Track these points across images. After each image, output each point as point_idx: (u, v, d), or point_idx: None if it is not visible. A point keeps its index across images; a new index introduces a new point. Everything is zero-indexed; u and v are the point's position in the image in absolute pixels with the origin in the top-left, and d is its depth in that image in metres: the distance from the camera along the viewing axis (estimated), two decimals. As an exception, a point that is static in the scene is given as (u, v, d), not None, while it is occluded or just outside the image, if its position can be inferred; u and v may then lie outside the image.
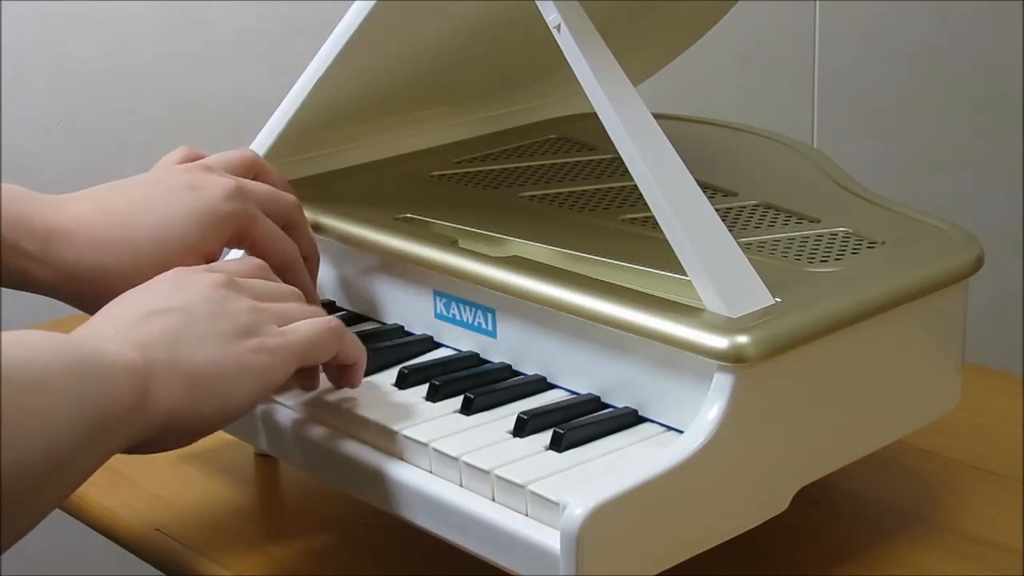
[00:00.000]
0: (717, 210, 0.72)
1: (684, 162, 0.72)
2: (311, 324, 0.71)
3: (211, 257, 0.78)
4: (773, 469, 0.70)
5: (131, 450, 0.65)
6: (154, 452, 0.67)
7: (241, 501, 0.85)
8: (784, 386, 0.69)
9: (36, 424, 0.58)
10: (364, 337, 0.76)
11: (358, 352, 0.74)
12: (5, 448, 0.56)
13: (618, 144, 0.71)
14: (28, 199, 0.76)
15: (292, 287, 0.76)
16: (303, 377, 0.75)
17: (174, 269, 0.72)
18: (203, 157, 0.83)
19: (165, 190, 0.78)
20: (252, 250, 0.79)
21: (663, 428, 0.71)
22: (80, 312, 0.77)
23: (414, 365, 0.78)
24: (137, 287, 0.71)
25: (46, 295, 0.76)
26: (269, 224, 0.79)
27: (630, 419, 0.71)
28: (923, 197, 1.82)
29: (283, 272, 0.79)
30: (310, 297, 0.81)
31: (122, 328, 0.66)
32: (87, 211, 0.76)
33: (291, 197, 0.82)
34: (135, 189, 0.79)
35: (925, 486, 0.85)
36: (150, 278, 0.72)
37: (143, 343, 0.65)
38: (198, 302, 0.69)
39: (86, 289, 0.75)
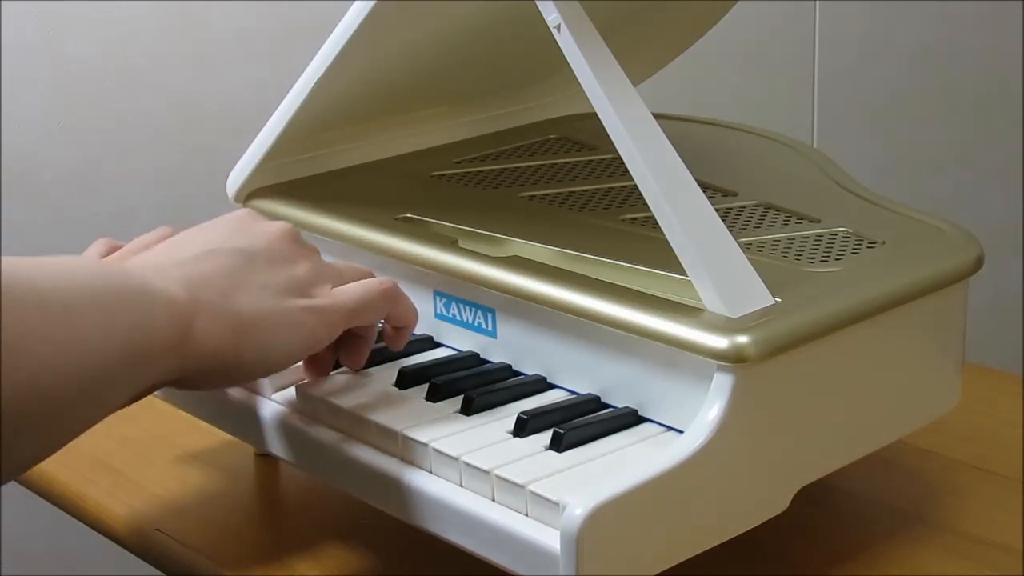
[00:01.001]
0: (717, 210, 0.72)
1: (684, 162, 0.72)
2: (363, 286, 0.72)
3: None
4: (773, 469, 0.70)
5: (172, 384, 0.66)
6: (193, 389, 0.68)
7: (241, 501, 0.85)
8: (784, 386, 0.69)
9: (59, 347, 0.58)
10: (364, 337, 0.76)
11: (408, 315, 0.75)
12: (24, 367, 0.56)
13: (618, 144, 0.71)
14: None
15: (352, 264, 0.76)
16: (349, 352, 0.75)
17: (241, 210, 0.74)
18: (121, 247, 0.79)
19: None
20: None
21: (663, 428, 0.71)
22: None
23: (414, 365, 0.78)
24: (202, 225, 0.72)
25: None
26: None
27: (630, 419, 0.71)
28: (923, 197, 1.82)
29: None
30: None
31: (175, 263, 0.67)
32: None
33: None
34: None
35: (925, 486, 0.85)
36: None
37: (194, 281, 0.66)
38: (261, 248, 0.70)
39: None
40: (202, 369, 0.66)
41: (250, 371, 0.68)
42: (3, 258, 0.58)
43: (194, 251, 0.69)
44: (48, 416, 0.58)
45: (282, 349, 0.68)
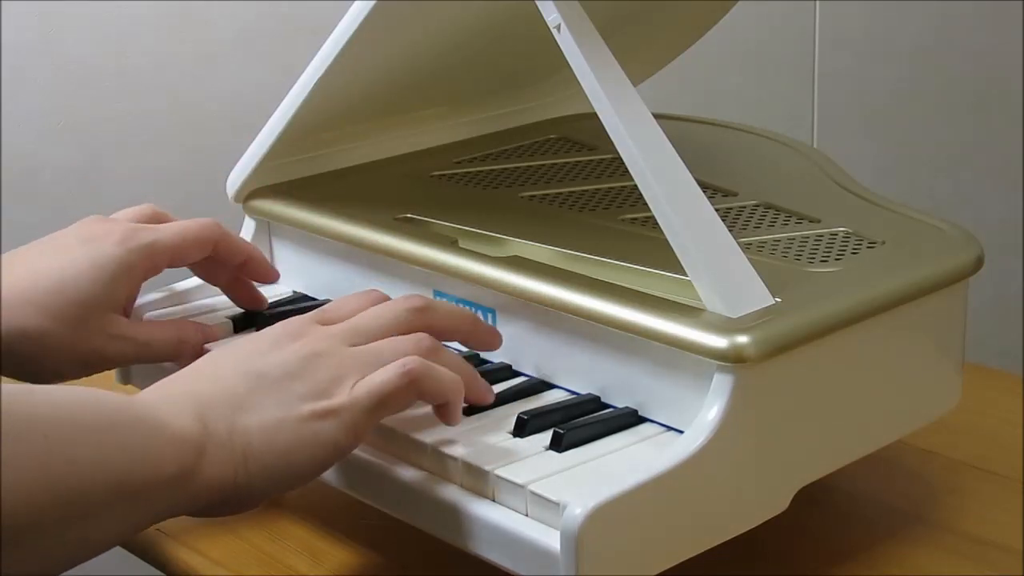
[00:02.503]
0: (717, 210, 0.72)
1: (684, 162, 0.72)
2: (381, 375, 0.67)
3: (116, 303, 0.78)
4: (773, 469, 0.70)
5: (192, 514, 0.64)
6: (205, 518, 0.66)
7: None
8: (784, 386, 0.69)
9: (43, 468, 0.57)
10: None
11: (446, 391, 0.69)
12: (13, 478, 0.56)
13: (618, 144, 0.71)
14: None
15: (422, 334, 0.71)
16: (439, 416, 0.70)
17: (287, 322, 0.70)
18: (166, 215, 0.85)
19: (59, 247, 0.79)
20: (191, 268, 0.83)
21: (663, 428, 0.71)
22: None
23: (414, 365, 0.78)
24: (238, 340, 0.72)
25: None
26: (168, 241, 0.80)
27: (630, 419, 0.71)
28: (923, 197, 1.82)
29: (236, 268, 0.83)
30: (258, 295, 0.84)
31: (190, 390, 0.65)
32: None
33: (202, 224, 0.82)
34: (33, 250, 0.80)
35: (925, 486, 0.85)
36: (50, 334, 0.74)
37: (206, 410, 0.64)
38: (279, 364, 0.67)
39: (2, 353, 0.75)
40: (211, 504, 0.64)
41: (265, 495, 0.65)
42: (6, 386, 0.58)
43: (215, 372, 0.67)
44: (20, 536, 0.57)
45: (298, 467, 0.65)
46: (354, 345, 0.69)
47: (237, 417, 0.64)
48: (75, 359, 0.77)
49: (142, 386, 0.86)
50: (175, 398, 0.65)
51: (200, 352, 0.78)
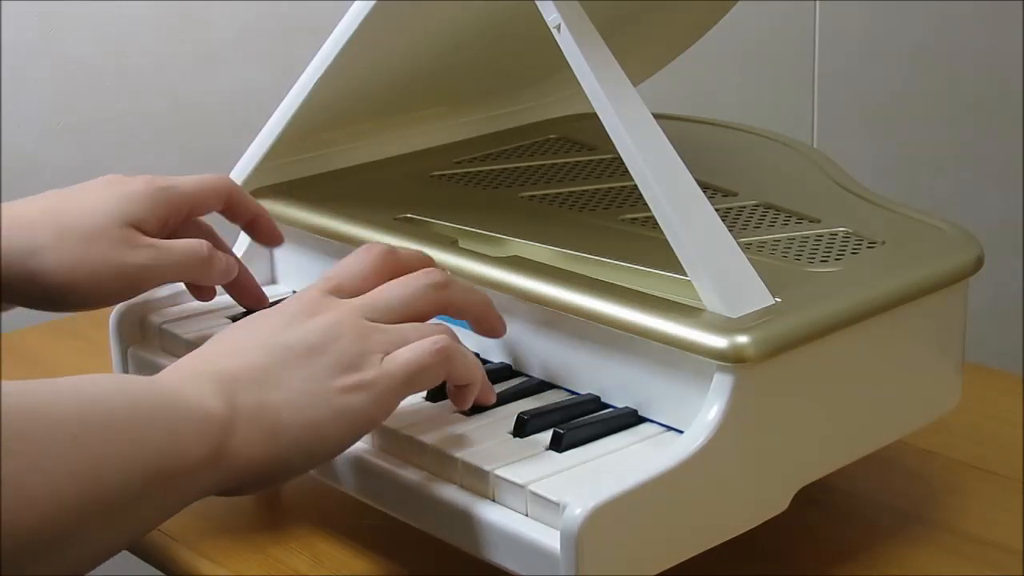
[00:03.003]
0: (717, 210, 0.72)
1: (684, 162, 0.72)
2: (414, 351, 0.67)
3: (148, 232, 0.79)
4: (773, 469, 0.70)
5: (224, 494, 0.64)
6: (238, 496, 0.65)
7: (241, 501, 0.85)
8: (784, 386, 0.69)
9: (72, 475, 0.56)
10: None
11: (470, 373, 0.69)
12: (43, 484, 0.55)
13: (618, 144, 0.71)
14: None
15: (436, 299, 0.71)
16: (453, 399, 0.71)
17: (303, 294, 0.70)
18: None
19: (86, 188, 0.80)
20: (184, 229, 0.82)
21: (663, 428, 0.71)
22: (72, 313, 0.78)
23: (414, 365, 0.78)
24: (255, 314, 0.70)
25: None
26: (190, 187, 0.81)
27: (630, 419, 0.71)
28: (923, 197, 1.82)
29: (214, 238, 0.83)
30: (217, 242, 0.83)
31: (213, 367, 0.65)
32: (26, 209, 0.78)
33: (214, 177, 0.83)
34: (67, 189, 0.81)
35: (925, 486, 0.85)
36: (84, 260, 0.74)
37: (230, 387, 0.63)
38: (301, 338, 0.66)
39: (23, 278, 0.76)
40: (243, 480, 0.63)
41: (296, 471, 0.65)
42: (15, 383, 0.57)
43: (237, 347, 0.66)
44: (62, 542, 0.56)
45: (328, 441, 0.65)
46: (374, 320, 0.69)
47: (264, 393, 0.64)
48: (98, 274, 0.77)
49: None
50: (198, 377, 0.64)
51: (227, 275, 0.81)
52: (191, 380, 0.63)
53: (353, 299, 0.70)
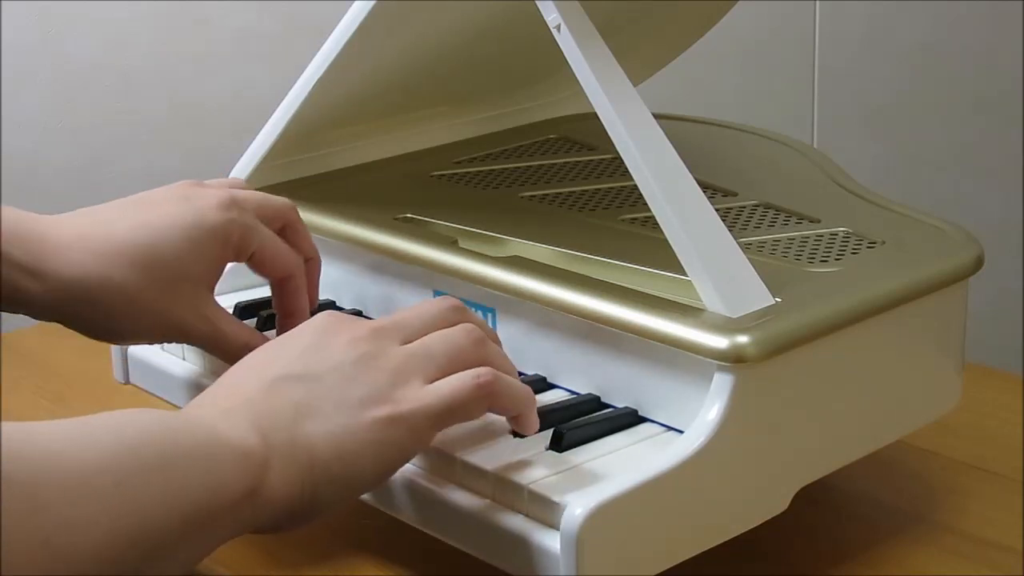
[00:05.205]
0: (717, 210, 0.72)
1: (684, 162, 0.72)
2: (453, 384, 0.65)
3: (210, 274, 0.75)
4: (773, 469, 0.70)
5: (258, 531, 0.62)
6: (273, 533, 0.63)
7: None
8: (784, 386, 0.69)
9: (111, 522, 0.54)
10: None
11: (519, 404, 0.67)
12: (84, 536, 0.53)
13: (618, 144, 0.71)
14: (25, 217, 0.73)
15: (467, 323, 0.69)
16: (514, 424, 0.68)
17: (317, 317, 0.67)
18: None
19: (157, 202, 0.76)
20: (252, 262, 0.77)
21: (663, 428, 0.71)
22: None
23: (414, 365, 0.78)
24: (273, 342, 0.67)
25: (42, 316, 0.74)
26: (267, 233, 0.77)
27: (630, 419, 0.71)
28: (923, 197, 1.82)
29: (286, 281, 0.77)
30: (311, 302, 0.79)
31: (244, 400, 0.62)
32: (82, 224, 0.74)
33: (284, 200, 0.79)
34: (129, 203, 0.77)
35: (925, 486, 0.85)
36: (143, 291, 0.71)
37: (264, 421, 0.61)
38: (332, 367, 0.64)
39: (81, 303, 0.73)
40: (278, 518, 0.61)
41: (331, 507, 0.62)
42: (46, 425, 0.55)
43: (262, 382, 0.63)
44: None
45: (364, 475, 0.63)
46: (402, 343, 0.66)
47: (298, 426, 0.62)
48: (157, 324, 0.74)
49: (143, 386, 0.86)
50: (231, 411, 0.61)
51: None
52: (224, 415, 0.61)
53: (375, 321, 0.68)
